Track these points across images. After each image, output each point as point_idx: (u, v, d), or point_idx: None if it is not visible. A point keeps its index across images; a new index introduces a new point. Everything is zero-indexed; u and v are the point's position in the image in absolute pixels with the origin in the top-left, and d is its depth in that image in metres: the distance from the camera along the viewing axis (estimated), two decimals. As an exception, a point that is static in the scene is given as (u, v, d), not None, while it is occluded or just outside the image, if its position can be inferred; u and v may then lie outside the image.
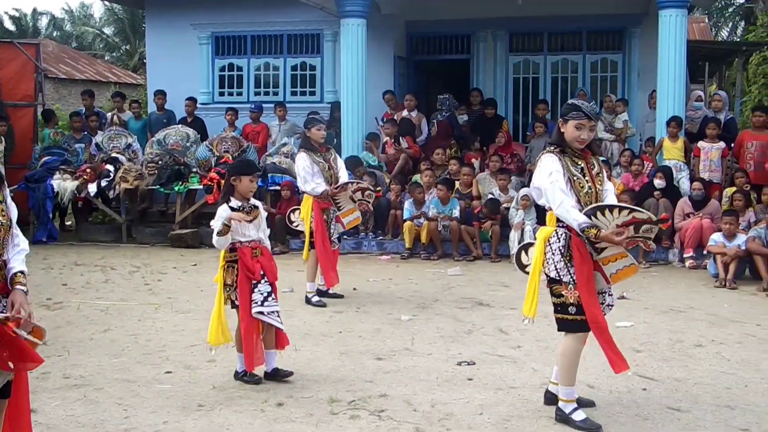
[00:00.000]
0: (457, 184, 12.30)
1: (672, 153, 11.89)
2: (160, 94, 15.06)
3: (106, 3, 34.68)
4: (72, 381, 5.94)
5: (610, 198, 5.09)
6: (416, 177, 12.76)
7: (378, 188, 9.76)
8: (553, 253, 4.96)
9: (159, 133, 13.95)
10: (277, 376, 5.91)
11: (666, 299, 8.81)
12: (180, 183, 13.25)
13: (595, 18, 15.07)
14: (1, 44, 16.39)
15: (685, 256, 10.83)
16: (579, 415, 4.98)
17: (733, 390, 5.69)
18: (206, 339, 6.05)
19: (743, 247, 9.63)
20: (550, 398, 5.27)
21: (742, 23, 32.60)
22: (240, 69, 16.22)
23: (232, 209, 5.81)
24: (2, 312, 3.87)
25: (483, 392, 5.64)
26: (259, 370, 5.94)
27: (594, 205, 4.87)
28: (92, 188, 13.18)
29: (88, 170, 13.25)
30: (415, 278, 10.14)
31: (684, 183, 11.65)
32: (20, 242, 4.07)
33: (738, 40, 29.95)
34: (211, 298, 8.56)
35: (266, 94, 16.06)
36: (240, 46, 16.19)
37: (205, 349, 6.75)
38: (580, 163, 4.98)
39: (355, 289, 9.35)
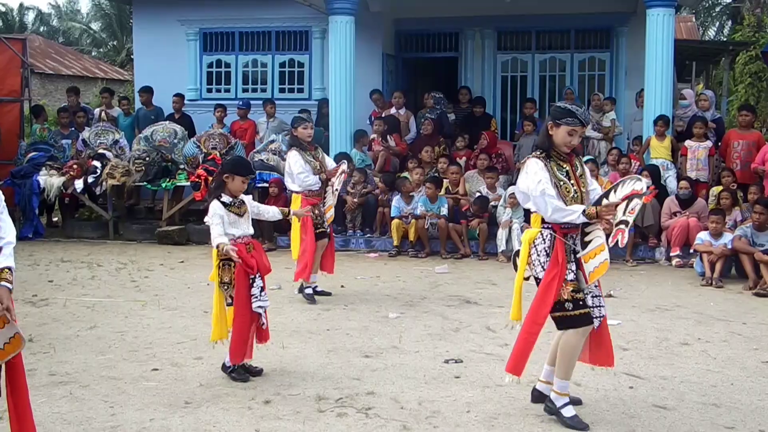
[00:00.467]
0: (445, 182, 12.31)
1: (659, 152, 11.93)
2: (144, 91, 15.00)
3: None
4: (58, 378, 5.91)
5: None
6: (404, 175, 12.74)
7: (345, 172, 9.57)
8: (538, 255, 4.98)
9: (146, 129, 13.90)
10: (248, 371, 5.93)
11: (653, 297, 8.84)
12: (167, 179, 13.22)
13: (583, 17, 15.11)
14: (-13, 39, 16.28)
15: (671, 254, 10.86)
16: (569, 411, 5.00)
17: (719, 388, 5.72)
18: (210, 336, 6.02)
19: (729, 246, 9.68)
20: (538, 396, 5.29)
21: (729, 23, 32.75)
22: (228, 65, 16.16)
23: (224, 204, 5.86)
24: None
25: (470, 390, 5.65)
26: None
27: (600, 195, 4.97)
28: (79, 184, 13.11)
29: (75, 166, 13.18)
30: (402, 276, 10.14)
31: (671, 182, 11.69)
32: (7, 233, 4.04)
33: (725, 39, 30.09)
34: (198, 295, 8.61)
35: (254, 90, 16.01)
36: (228, 42, 16.13)
37: (192, 346, 6.76)
38: (565, 166, 4.99)
39: (342, 286, 9.34)
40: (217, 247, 5.75)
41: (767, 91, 21.65)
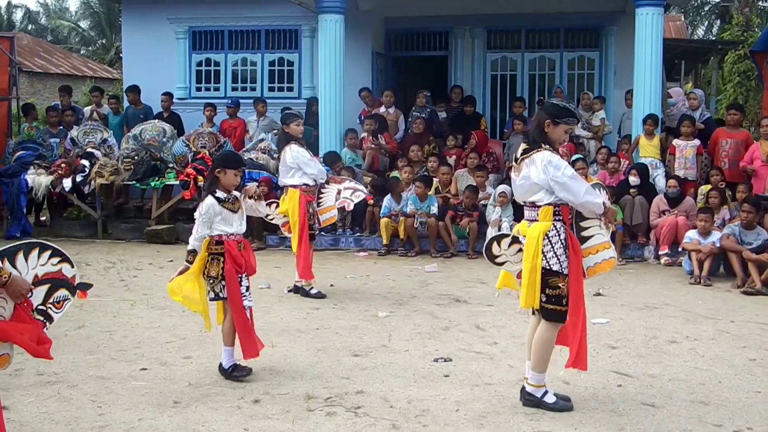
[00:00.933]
0: (435, 181, 12.31)
1: (648, 151, 11.96)
2: (131, 90, 14.97)
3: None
4: (46, 378, 5.89)
5: None
6: (394, 173, 12.75)
7: (370, 193, 9.72)
8: (553, 246, 5.01)
9: (135, 128, 13.86)
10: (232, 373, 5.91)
11: (641, 296, 8.87)
12: (156, 178, 13.16)
13: (572, 16, 15.15)
14: (-26, 37, 16.19)
15: (660, 253, 10.90)
16: (550, 398, 5.11)
17: (707, 386, 5.74)
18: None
19: (718, 245, 9.71)
20: (526, 394, 5.31)
21: (718, 22, 32.84)
22: (217, 64, 16.13)
23: (219, 200, 5.86)
24: None
25: (459, 389, 5.65)
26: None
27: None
28: (67, 183, 13.04)
29: (63, 165, 13.11)
30: (392, 275, 10.14)
31: (660, 180, 11.71)
32: None
33: (714, 38, 30.19)
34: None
35: (244, 89, 16.00)
36: (217, 41, 16.10)
37: (181, 345, 6.74)
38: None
39: (332, 285, 9.33)
40: (189, 252, 5.87)
41: (756, 90, 21.71)
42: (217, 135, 13.61)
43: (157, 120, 14.25)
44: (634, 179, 11.24)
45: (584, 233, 5.09)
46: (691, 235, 10.08)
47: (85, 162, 13.15)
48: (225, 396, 5.50)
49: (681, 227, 10.63)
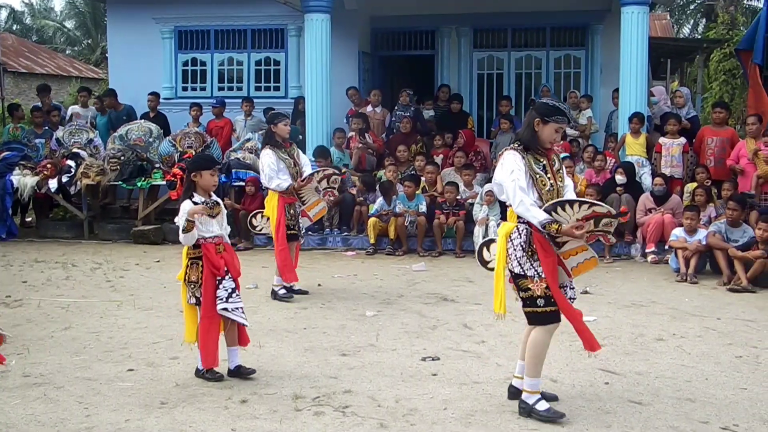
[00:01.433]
0: (422, 181, 12.31)
1: (634, 149, 12.00)
2: (107, 95, 14.96)
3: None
4: (32, 379, 5.86)
5: (569, 194, 5.15)
6: (380, 173, 12.75)
7: (344, 170, 9.69)
8: (515, 249, 5.00)
9: (121, 128, 13.81)
10: (240, 373, 5.87)
11: (628, 294, 8.90)
12: (143, 179, 13.12)
13: (558, 14, 15.17)
14: (-42, 37, 16.11)
15: (647, 251, 10.94)
16: (542, 405, 5.04)
17: (694, 383, 5.76)
18: (184, 337, 5.98)
19: (704, 242, 9.76)
20: (514, 393, 5.30)
21: (703, 20, 33.01)
22: (203, 64, 16.09)
23: (196, 205, 5.79)
24: None
25: (447, 387, 5.65)
26: (222, 367, 5.90)
27: (553, 201, 4.93)
28: (53, 184, 12.98)
29: (49, 166, 13.05)
30: (380, 274, 10.14)
31: (646, 178, 11.75)
32: None
33: (699, 37, 30.34)
34: (174, 294, 8.54)
35: (230, 89, 15.97)
36: (203, 40, 16.05)
37: (168, 346, 6.72)
38: (542, 160, 5.03)
39: (319, 285, 9.33)
40: (184, 230, 5.73)
41: (741, 89, 21.82)
42: (204, 135, 13.58)
43: (143, 120, 14.21)
44: (620, 178, 11.28)
45: (558, 240, 5.04)
46: (678, 232, 10.13)
47: (71, 162, 13.10)
48: (212, 396, 5.49)
49: (667, 225, 10.68)
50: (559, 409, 5.07)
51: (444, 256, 11.44)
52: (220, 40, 16.00)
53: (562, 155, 11.53)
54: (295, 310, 8.09)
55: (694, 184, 11.18)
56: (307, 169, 8.87)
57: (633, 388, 5.63)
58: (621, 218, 5.11)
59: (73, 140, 13.63)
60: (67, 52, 40.95)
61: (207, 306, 5.78)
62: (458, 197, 11.80)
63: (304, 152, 10.38)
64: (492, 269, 5.29)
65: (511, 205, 4.99)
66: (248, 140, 13.44)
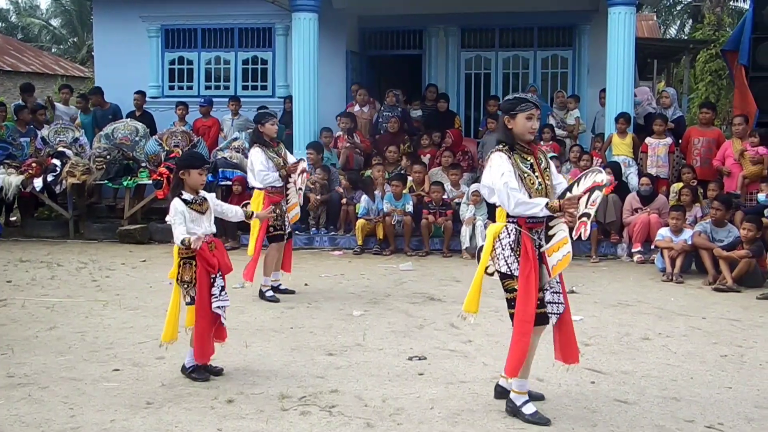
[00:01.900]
0: (409, 180, 12.31)
1: (621, 149, 12.04)
2: (93, 93, 14.86)
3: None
4: (16, 380, 5.82)
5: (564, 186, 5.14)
6: (368, 172, 12.74)
7: (306, 171, 9.58)
8: (503, 249, 4.99)
9: (107, 127, 13.74)
10: (208, 371, 5.89)
11: (614, 293, 8.92)
12: (129, 178, 13.07)
13: (546, 14, 15.22)
14: (-57, 35, 15.98)
15: (633, 250, 10.97)
16: (529, 408, 5.03)
17: (679, 382, 5.78)
18: (161, 337, 5.95)
19: (689, 242, 9.80)
20: (501, 392, 5.30)
21: (690, 21, 33.17)
22: (190, 62, 16.04)
23: (185, 202, 5.80)
24: None
25: (434, 387, 5.65)
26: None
27: (565, 188, 4.95)
28: (38, 183, 12.91)
29: (34, 164, 12.98)
30: (366, 274, 10.13)
31: (632, 178, 11.79)
32: None
33: (686, 37, 30.47)
34: (161, 294, 8.52)
35: (217, 88, 15.93)
36: (190, 39, 16.01)
37: (154, 346, 6.68)
38: (529, 159, 5.03)
39: (306, 284, 9.31)
40: (182, 242, 5.69)
41: (727, 89, 21.95)
42: (191, 134, 13.53)
43: (129, 119, 14.14)
44: (606, 174, 11.28)
45: (551, 231, 5.04)
46: (664, 232, 10.16)
47: (57, 161, 13.03)
48: (198, 396, 5.47)
49: (653, 225, 10.72)
50: (545, 410, 5.08)
51: (431, 256, 11.44)
52: (207, 39, 15.95)
53: (549, 155, 11.59)
54: (281, 310, 8.07)
55: (680, 184, 11.22)
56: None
57: (619, 387, 5.65)
58: (605, 189, 5.10)
59: (58, 139, 13.56)
60: (53, 50, 40.74)
61: (202, 305, 5.77)
62: (445, 197, 11.81)
63: (292, 152, 10.39)
64: (490, 274, 5.27)
65: (500, 206, 4.98)
66: (235, 139, 13.41)
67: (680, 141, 12.30)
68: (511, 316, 5.05)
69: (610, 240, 11.37)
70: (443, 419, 5.04)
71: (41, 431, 4.87)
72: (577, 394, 5.50)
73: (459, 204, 11.83)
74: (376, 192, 11.99)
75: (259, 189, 8.53)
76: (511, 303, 5.03)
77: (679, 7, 35.44)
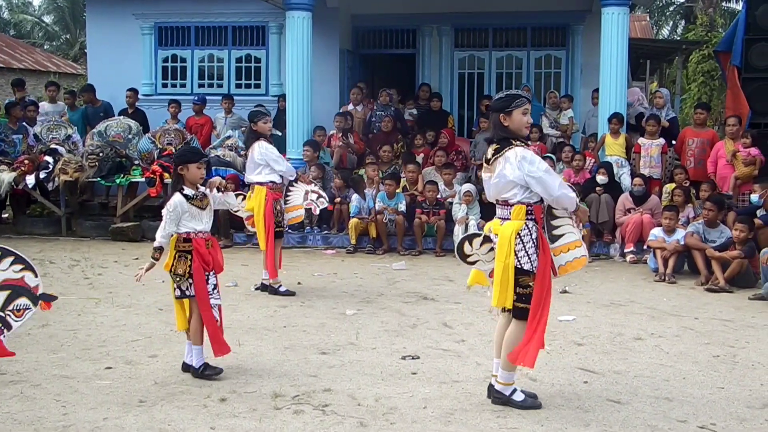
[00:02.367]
0: (403, 180, 12.31)
1: (613, 149, 12.05)
2: (85, 91, 14.84)
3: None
4: (8, 377, 5.80)
5: None
6: (361, 172, 12.74)
7: (327, 205, 9.75)
8: (525, 246, 5.01)
9: (100, 124, 13.70)
10: (190, 370, 5.88)
11: (607, 293, 8.94)
12: (122, 175, 13.03)
13: (539, 15, 15.24)
14: (-65, 31, 15.89)
15: (625, 250, 11.00)
16: (519, 396, 5.12)
17: (672, 382, 5.80)
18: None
19: (682, 242, 9.82)
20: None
21: (683, 22, 33.25)
22: (184, 60, 16.00)
23: (186, 197, 5.82)
24: None
25: (427, 386, 5.65)
26: (217, 361, 5.87)
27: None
28: (30, 180, 12.86)
29: (27, 161, 12.93)
30: (360, 273, 10.13)
31: (625, 179, 11.81)
32: None
33: (678, 38, 30.54)
34: (153, 292, 8.52)
35: (210, 86, 15.91)
36: (184, 37, 15.97)
37: (147, 344, 6.67)
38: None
39: (299, 283, 9.30)
40: (154, 248, 5.78)
41: (719, 90, 22.03)
42: (184, 132, 13.50)
43: (122, 117, 14.10)
44: (602, 178, 11.33)
45: (555, 231, 5.09)
46: (656, 232, 10.19)
47: (49, 158, 12.98)
48: (191, 395, 5.46)
49: (646, 225, 10.74)
50: (538, 410, 5.10)
51: (424, 255, 11.45)
52: (201, 37, 15.92)
53: (544, 156, 11.63)
54: (274, 309, 8.06)
55: (673, 185, 11.25)
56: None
57: (612, 387, 5.66)
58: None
59: (51, 136, 13.51)
60: (46, 47, 40.59)
61: (203, 299, 5.76)
62: (438, 196, 11.81)
63: (285, 151, 10.40)
64: (471, 263, 5.31)
65: (521, 202, 5.00)
66: (228, 137, 13.38)
67: (673, 142, 12.33)
68: (520, 309, 5.07)
69: (602, 240, 11.39)
70: (436, 418, 5.04)
71: (33, 429, 4.86)
72: (570, 394, 5.50)
73: (452, 203, 11.83)
74: (366, 191, 11.99)
75: (261, 184, 8.53)
76: (522, 298, 5.05)
77: (671, 8, 35.54)
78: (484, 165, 5.22)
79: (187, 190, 5.85)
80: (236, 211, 8.83)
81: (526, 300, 5.04)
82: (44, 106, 14.91)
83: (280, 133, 13.09)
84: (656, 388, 5.66)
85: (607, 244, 11.37)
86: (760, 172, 10.90)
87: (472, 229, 11.06)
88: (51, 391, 5.52)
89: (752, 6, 12.17)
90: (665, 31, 36.46)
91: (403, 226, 11.57)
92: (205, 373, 5.79)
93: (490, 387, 5.35)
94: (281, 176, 8.71)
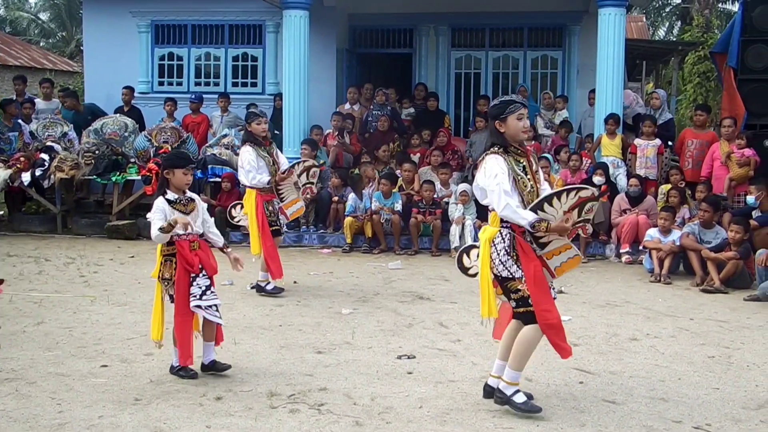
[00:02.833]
0: (399, 180, 12.31)
1: (610, 150, 12.06)
2: (67, 96, 14.73)
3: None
4: (4, 375, 5.79)
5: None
6: (356, 170, 12.73)
7: (322, 162, 9.68)
8: (498, 253, 5.00)
9: (96, 122, 13.66)
10: (214, 368, 5.84)
11: (603, 294, 8.95)
12: (117, 173, 13.02)
13: (536, 15, 15.25)
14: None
15: (621, 251, 11.01)
16: (520, 398, 5.08)
17: (667, 382, 5.81)
18: (150, 335, 5.93)
19: (678, 243, 9.84)
20: (489, 391, 5.30)
21: (679, 23, 33.27)
22: (180, 58, 15.97)
23: (169, 201, 5.76)
24: None
25: (423, 386, 5.66)
26: (196, 365, 5.86)
27: (540, 198, 4.95)
28: (26, 177, 12.84)
29: (22, 159, 12.91)
30: (356, 272, 10.13)
31: (621, 179, 11.83)
32: None
33: (674, 39, 30.57)
34: (149, 290, 8.46)
35: (207, 84, 15.87)
36: (180, 35, 15.94)
37: (142, 342, 6.66)
38: (522, 161, 5.04)
39: (295, 282, 9.30)
40: (161, 229, 5.62)
41: (715, 91, 22.03)
42: (180, 130, 13.48)
43: (118, 114, 14.08)
44: (599, 179, 11.31)
45: (541, 240, 5.07)
46: (652, 233, 10.20)
47: (45, 156, 12.96)
48: (187, 393, 5.45)
49: (642, 226, 10.76)
50: (538, 411, 5.09)
51: (420, 255, 11.45)
52: (198, 35, 15.90)
53: (542, 155, 11.64)
54: (270, 307, 8.06)
55: (669, 186, 11.26)
56: (285, 167, 8.84)
57: (607, 388, 5.67)
58: (602, 198, 5.15)
59: (47, 133, 13.48)
60: (42, 44, 40.48)
61: (180, 303, 5.74)
62: (435, 196, 11.81)
63: (281, 149, 10.38)
64: (472, 275, 5.29)
65: (494, 210, 4.98)
66: (224, 136, 13.37)
67: (670, 143, 12.34)
68: (522, 314, 5.04)
69: (598, 240, 11.40)
70: (432, 418, 5.05)
71: (28, 426, 4.85)
72: (566, 394, 5.51)
73: (448, 203, 11.84)
74: (363, 190, 11.99)
75: (251, 188, 8.53)
76: (518, 303, 5.03)
77: (668, 9, 35.55)
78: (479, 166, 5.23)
79: (171, 195, 5.80)
80: (237, 221, 8.87)
81: (523, 304, 5.01)
82: (38, 103, 14.85)
83: (278, 133, 13.08)
84: (652, 388, 5.67)
85: (603, 244, 11.39)
86: (756, 174, 10.92)
87: (469, 229, 11.08)
88: (46, 388, 5.52)
89: (748, 7, 12.18)
90: (661, 32, 36.50)
91: (400, 225, 11.57)
92: (179, 372, 5.78)
93: (486, 386, 5.35)
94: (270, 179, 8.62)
